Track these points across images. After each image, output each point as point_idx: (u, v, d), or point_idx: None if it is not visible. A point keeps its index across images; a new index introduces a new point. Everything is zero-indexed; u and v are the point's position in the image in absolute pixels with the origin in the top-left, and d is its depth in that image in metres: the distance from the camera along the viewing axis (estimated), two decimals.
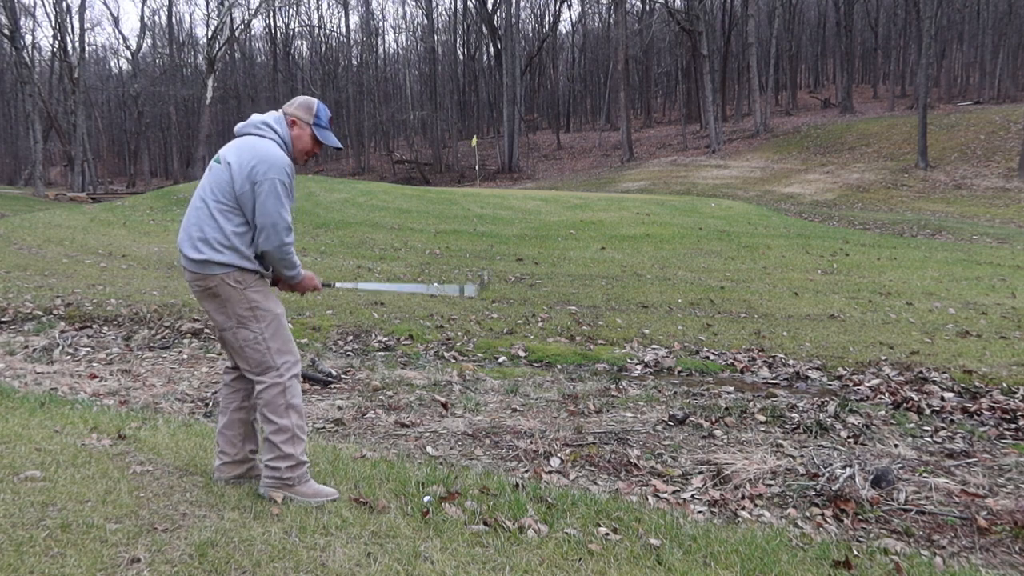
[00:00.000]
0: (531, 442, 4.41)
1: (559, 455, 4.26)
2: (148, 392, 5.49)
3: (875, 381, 5.95)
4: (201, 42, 61.75)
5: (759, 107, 39.96)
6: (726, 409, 5.09)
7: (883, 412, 5.12)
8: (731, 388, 5.83)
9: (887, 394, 5.59)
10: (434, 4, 57.80)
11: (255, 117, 3.19)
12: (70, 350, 6.70)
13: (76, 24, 43.83)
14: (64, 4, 41.16)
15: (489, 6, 50.97)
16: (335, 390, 5.68)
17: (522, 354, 6.89)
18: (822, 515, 3.54)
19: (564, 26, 70.98)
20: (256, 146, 3.04)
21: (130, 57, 56.56)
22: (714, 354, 6.90)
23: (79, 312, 7.96)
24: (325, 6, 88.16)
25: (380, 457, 3.94)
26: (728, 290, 9.80)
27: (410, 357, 6.75)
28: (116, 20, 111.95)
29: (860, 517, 3.52)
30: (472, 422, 4.88)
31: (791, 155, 33.96)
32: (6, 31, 34.47)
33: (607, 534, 3.01)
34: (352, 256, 12.10)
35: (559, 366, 6.60)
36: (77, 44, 41.38)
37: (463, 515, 3.05)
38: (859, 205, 24.74)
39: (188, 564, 2.50)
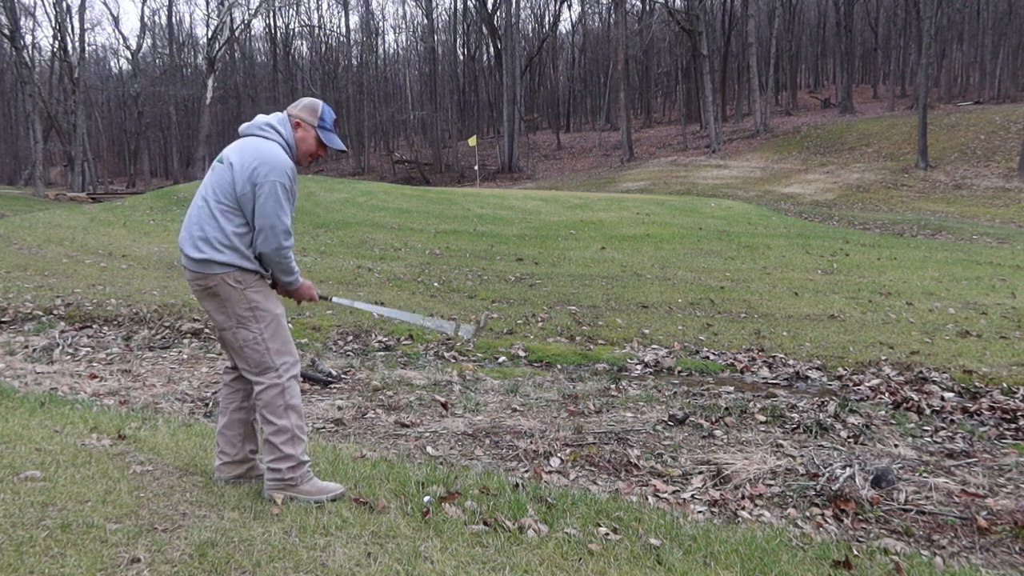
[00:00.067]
0: (531, 442, 4.41)
1: (559, 455, 4.26)
2: (148, 392, 5.49)
3: (875, 381, 5.95)
4: (201, 42, 61.81)
5: (759, 107, 39.96)
6: (726, 409, 5.09)
7: (883, 412, 5.12)
8: (731, 388, 5.83)
9: (887, 394, 5.59)
10: (434, 4, 57.87)
11: (259, 118, 3.18)
12: (70, 350, 6.70)
13: (76, 24, 43.89)
14: (64, 4, 41.20)
15: (489, 6, 50.98)
16: (335, 390, 5.68)
17: (522, 354, 6.89)
18: (822, 515, 3.54)
19: (564, 26, 71.07)
20: (259, 148, 3.03)
21: (130, 57, 56.61)
22: (714, 354, 6.90)
23: (79, 312, 7.95)
24: (325, 6, 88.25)
25: (380, 457, 3.94)
26: (728, 290, 9.80)
27: (410, 357, 6.75)
28: (116, 20, 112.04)
29: (860, 517, 3.52)
30: (472, 422, 4.88)
31: (791, 155, 33.96)
32: (6, 31, 34.47)
33: (607, 534, 3.01)
34: (352, 256, 12.10)
35: (559, 366, 6.60)
36: (77, 44, 41.40)
37: (463, 515, 3.05)
38: (859, 205, 24.74)
39: (188, 564, 2.50)
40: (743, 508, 3.62)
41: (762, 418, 4.93)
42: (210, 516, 2.87)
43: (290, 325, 3.26)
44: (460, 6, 56.83)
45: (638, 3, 54.98)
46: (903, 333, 7.57)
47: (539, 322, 8.05)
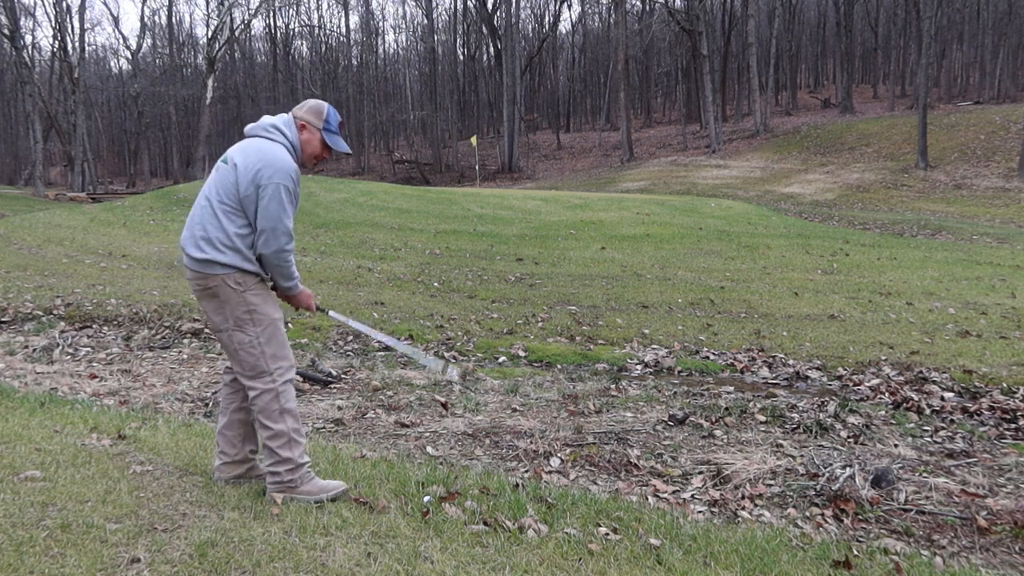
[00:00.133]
0: (531, 442, 4.41)
1: (559, 455, 4.26)
2: (148, 392, 5.49)
3: (875, 381, 5.95)
4: (201, 42, 61.82)
5: (759, 107, 39.96)
6: (726, 409, 5.09)
7: (883, 412, 5.12)
8: (731, 388, 5.83)
9: (887, 394, 5.59)
10: (434, 4, 57.86)
11: (265, 119, 3.16)
12: (70, 350, 6.70)
13: (76, 24, 43.90)
14: (64, 4, 41.21)
15: (489, 6, 50.99)
16: (335, 390, 5.68)
17: (522, 354, 6.89)
18: (822, 515, 3.54)
19: (564, 26, 71.09)
20: (263, 149, 3.02)
21: (130, 57, 56.61)
22: (714, 354, 6.90)
23: (79, 312, 7.95)
24: (325, 6, 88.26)
25: (380, 457, 3.94)
26: (728, 290, 9.80)
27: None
28: (116, 20, 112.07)
29: (860, 517, 3.52)
30: (472, 422, 4.88)
31: (791, 155, 33.96)
32: (6, 31, 34.47)
33: (607, 534, 3.01)
34: (352, 256, 12.10)
35: (559, 366, 6.60)
36: (77, 44, 41.40)
37: (463, 515, 3.05)
38: (859, 205, 24.74)
39: (188, 564, 2.50)
40: (743, 508, 3.62)
41: (762, 418, 4.93)
42: (210, 516, 2.87)
43: (290, 326, 3.25)
44: (460, 6, 56.88)
45: (638, 3, 55.04)
46: (903, 333, 7.57)
47: (539, 322, 8.05)
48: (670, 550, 2.89)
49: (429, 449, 4.37)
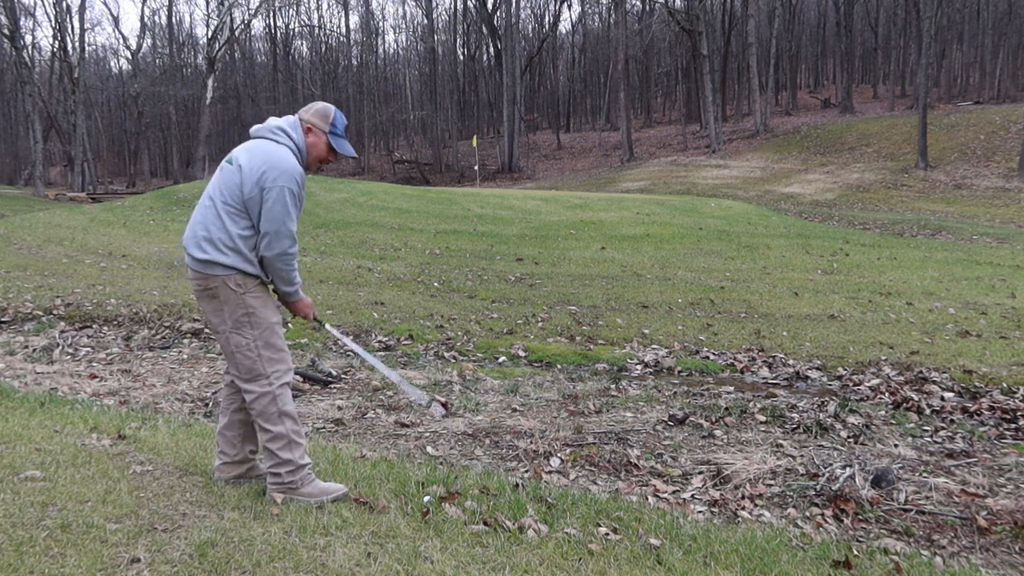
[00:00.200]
0: (531, 442, 4.41)
1: (559, 455, 4.26)
2: (148, 392, 5.49)
3: (875, 381, 5.95)
4: (201, 42, 61.81)
5: (759, 107, 39.96)
6: (726, 409, 5.09)
7: (883, 412, 5.12)
8: (731, 388, 5.83)
9: (887, 394, 5.59)
10: (434, 4, 57.86)
11: (271, 121, 3.15)
12: (70, 350, 6.70)
13: (76, 24, 43.90)
14: (64, 4, 41.21)
15: (489, 6, 50.99)
16: (335, 390, 5.68)
17: (522, 354, 6.89)
18: (822, 515, 3.54)
19: (564, 26, 71.09)
20: (269, 151, 3.01)
21: (130, 57, 56.61)
22: (714, 354, 6.90)
23: (79, 312, 7.95)
24: (325, 6, 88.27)
25: (380, 457, 3.94)
26: (728, 290, 9.80)
27: (410, 357, 6.75)
28: (116, 20, 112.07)
29: (860, 517, 3.52)
30: (472, 422, 4.88)
31: (791, 155, 33.96)
32: (6, 31, 34.48)
33: (607, 534, 3.01)
34: (352, 256, 12.10)
35: (559, 366, 6.60)
36: (77, 44, 41.41)
37: (463, 515, 3.05)
38: (859, 205, 24.74)
39: (188, 564, 2.49)
40: (743, 508, 3.62)
41: (762, 418, 4.93)
42: (210, 516, 2.87)
43: (289, 326, 3.25)
44: (460, 6, 56.88)
45: (638, 3, 55.04)
46: (903, 333, 7.57)
47: (539, 322, 8.05)
48: (670, 550, 2.89)
49: (429, 449, 4.37)
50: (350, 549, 2.68)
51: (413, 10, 70.18)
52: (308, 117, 3.16)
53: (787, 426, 4.80)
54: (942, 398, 5.51)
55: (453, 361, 6.67)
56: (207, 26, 57.55)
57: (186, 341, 7.15)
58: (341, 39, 61.66)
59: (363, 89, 57.01)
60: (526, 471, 4.03)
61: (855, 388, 5.86)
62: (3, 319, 7.79)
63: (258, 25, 63.93)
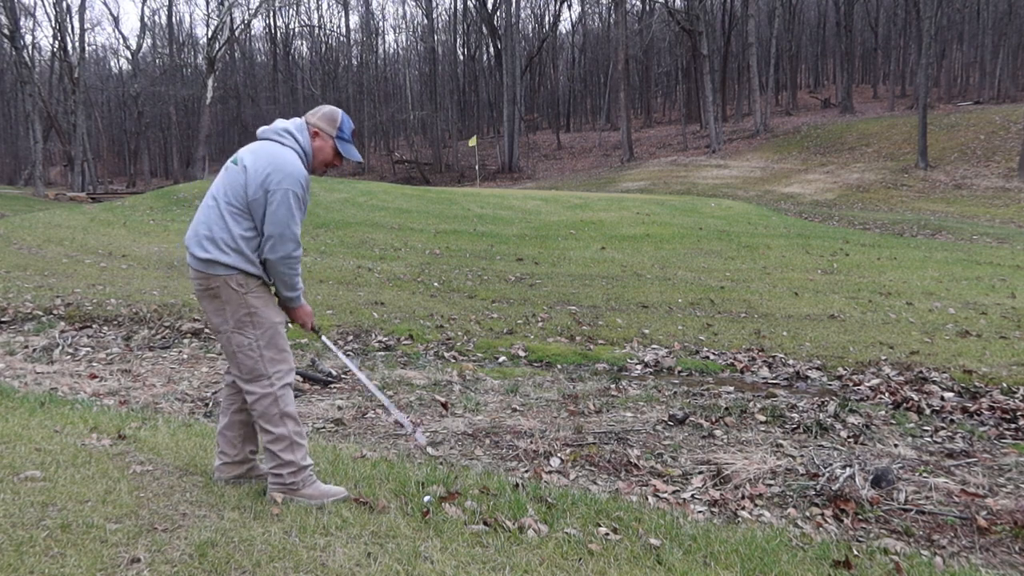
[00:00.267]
0: (531, 442, 4.41)
1: (559, 455, 4.26)
2: (148, 392, 5.49)
3: (875, 381, 5.95)
4: (201, 42, 61.80)
5: (759, 107, 39.97)
6: (726, 409, 5.09)
7: (883, 412, 5.12)
8: (731, 388, 5.83)
9: (887, 394, 5.59)
10: (434, 4, 57.86)
11: (278, 123, 3.14)
12: (70, 350, 6.70)
13: (76, 24, 43.92)
14: (64, 4, 41.22)
15: (489, 6, 50.99)
16: (335, 390, 5.68)
17: (522, 354, 6.89)
18: (822, 515, 3.54)
19: (564, 26, 71.10)
20: (274, 153, 3.00)
21: (130, 57, 56.61)
22: (714, 354, 6.90)
23: (79, 312, 7.95)
24: (325, 6, 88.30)
25: (380, 457, 3.94)
26: (728, 290, 9.80)
27: (410, 357, 6.75)
28: (116, 20, 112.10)
29: (860, 517, 3.52)
30: (472, 422, 4.88)
31: (791, 155, 33.96)
32: (6, 31, 34.48)
33: (607, 534, 3.01)
34: (352, 256, 12.10)
35: (559, 366, 6.60)
36: (77, 44, 41.42)
37: (463, 515, 3.05)
38: (859, 205, 24.74)
39: (188, 564, 2.49)
40: (743, 508, 3.62)
41: (762, 418, 4.93)
42: (210, 516, 2.87)
43: (289, 326, 3.24)
44: (460, 6, 56.87)
45: (638, 3, 55.04)
46: (903, 333, 7.57)
47: (539, 322, 8.05)
48: (670, 550, 2.89)
49: (429, 449, 4.37)
50: (350, 549, 2.68)
51: (413, 10, 70.25)
52: (315, 121, 3.15)
53: (787, 426, 4.80)
54: (942, 398, 5.51)
55: (453, 361, 6.67)
56: (207, 26, 57.60)
57: (186, 341, 7.15)
58: (341, 39, 61.69)
59: (363, 89, 57.01)
60: (526, 471, 4.03)
61: (855, 388, 5.86)
62: (3, 319, 7.79)
63: (258, 25, 64.03)
